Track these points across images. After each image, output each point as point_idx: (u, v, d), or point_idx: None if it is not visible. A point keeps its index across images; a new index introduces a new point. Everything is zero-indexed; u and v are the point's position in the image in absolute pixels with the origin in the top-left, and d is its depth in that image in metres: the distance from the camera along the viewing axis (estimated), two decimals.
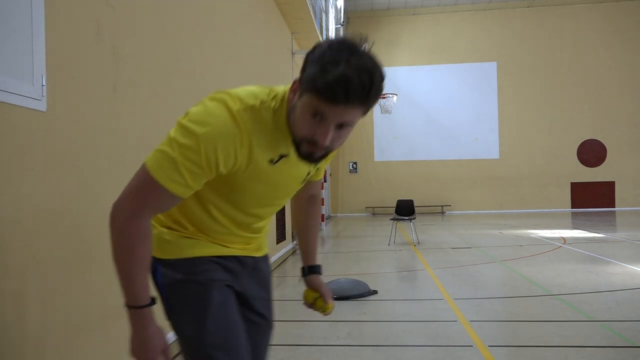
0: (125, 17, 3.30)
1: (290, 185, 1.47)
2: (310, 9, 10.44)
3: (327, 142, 1.21)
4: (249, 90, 1.32)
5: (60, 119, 2.57)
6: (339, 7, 18.25)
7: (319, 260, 1.82)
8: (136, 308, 1.29)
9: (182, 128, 1.24)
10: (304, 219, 1.82)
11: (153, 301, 1.32)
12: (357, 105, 1.18)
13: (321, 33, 12.99)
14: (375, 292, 5.55)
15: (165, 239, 1.45)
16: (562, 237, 10.69)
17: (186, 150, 1.21)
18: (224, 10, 5.85)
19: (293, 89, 1.26)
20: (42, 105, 2.41)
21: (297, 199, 1.78)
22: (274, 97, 1.31)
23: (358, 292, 5.38)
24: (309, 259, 1.79)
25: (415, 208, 10.64)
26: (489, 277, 6.65)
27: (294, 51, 11.55)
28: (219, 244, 1.48)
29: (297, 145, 1.27)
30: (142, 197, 1.25)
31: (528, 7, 20.73)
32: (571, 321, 4.34)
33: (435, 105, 20.72)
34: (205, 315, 1.38)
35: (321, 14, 13.53)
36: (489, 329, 4.20)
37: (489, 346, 3.70)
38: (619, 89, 20.22)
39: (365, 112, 1.24)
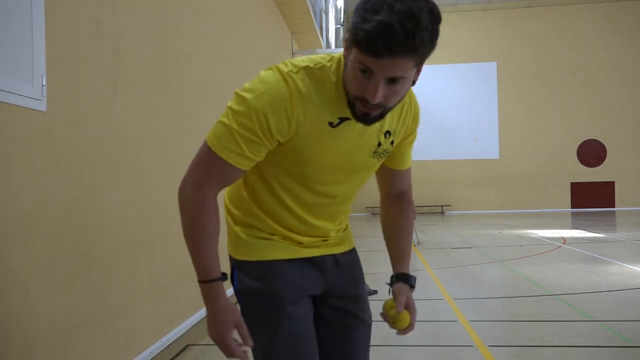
0: (125, 17, 3.30)
1: (360, 156, 1.33)
2: (310, 9, 10.44)
3: (378, 99, 1.11)
4: (305, 57, 1.28)
5: (60, 119, 2.57)
6: (339, 7, 18.26)
7: None
8: (206, 282, 1.26)
9: (237, 97, 1.22)
10: (394, 219, 1.57)
11: (224, 276, 1.29)
12: (405, 56, 1.05)
13: (321, 33, 12.99)
14: (375, 292, 5.54)
15: (241, 238, 1.39)
16: (562, 237, 10.69)
17: (239, 117, 1.19)
18: (224, 10, 5.85)
19: (346, 46, 1.15)
20: (42, 105, 2.41)
21: (385, 197, 1.59)
22: (331, 59, 1.25)
23: None
24: (399, 265, 1.53)
25: (415, 208, 10.61)
26: (489, 277, 6.65)
27: (294, 51, 11.54)
28: (295, 244, 1.39)
29: (352, 105, 1.18)
30: (204, 169, 1.24)
31: (528, 7, 20.73)
32: (571, 321, 4.34)
33: (435, 105, 20.71)
34: (277, 331, 1.33)
35: (321, 14, 13.53)
36: (489, 329, 4.20)
37: (489, 346, 3.69)
38: (619, 89, 20.22)
39: (419, 63, 1.10)
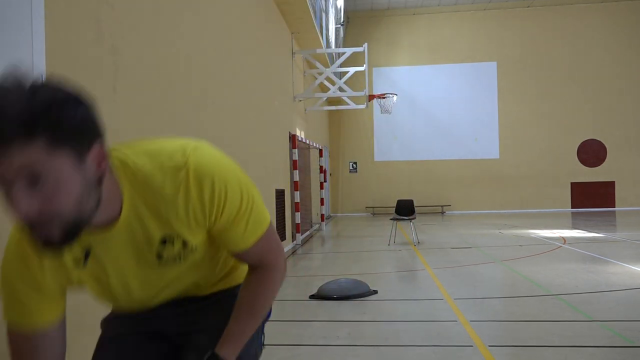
0: (125, 17, 3.30)
1: (133, 278, 1.18)
2: (310, 9, 10.44)
3: (25, 211, 0.87)
4: None
5: None
6: (339, 7, 18.25)
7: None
8: None
9: None
10: (242, 288, 1.32)
11: None
12: (15, 144, 0.83)
13: (321, 33, 12.99)
14: (375, 292, 5.55)
15: None
16: (562, 237, 10.69)
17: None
18: (224, 10, 5.84)
19: None
20: None
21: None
22: None
23: (358, 292, 5.38)
24: (219, 343, 1.27)
25: (415, 208, 10.64)
26: (489, 277, 6.65)
27: (294, 51, 11.54)
28: None
29: (32, 240, 0.94)
30: None
31: (528, 7, 20.73)
32: (571, 321, 4.34)
33: (436, 105, 20.72)
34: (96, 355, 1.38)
35: (321, 14, 13.53)
36: (489, 329, 4.20)
37: (489, 346, 3.70)
38: (619, 88, 20.22)
39: (49, 149, 0.86)
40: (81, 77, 2.78)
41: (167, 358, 1.36)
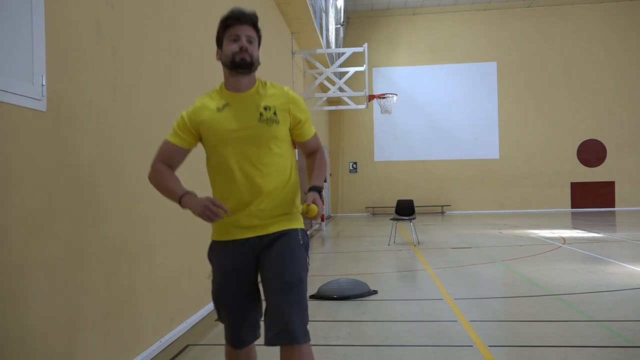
0: (125, 17, 3.30)
1: (247, 122, 2.17)
2: (310, 9, 10.44)
3: (245, 44, 2.14)
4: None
5: (60, 119, 2.57)
6: (339, 7, 18.25)
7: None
8: (180, 200, 2.12)
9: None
10: (310, 163, 2.44)
11: (186, 193, 2.12)
12: (249, 24, 2.17)
13: (321, 33, 12.99)
14: (375, 292, 5.55)
15: (213, 226, 2.28)
16: (562, 237, 10.69)
17: (179, 120, 2.29)
18: (224, 9, 5.84)
19: (218, 54, 2.23)
20: (42, 105, 2.41)
21: (305, 157, 2.46)
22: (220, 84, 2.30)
23: (358, 292, 5.38)
24: (311, 181, 2.35)
25: (415, 208, 10.63)
26: (489, 277, 6.65)
27: (294, 51, 11.54)
28: (230, 227, 2.20)
29: (234, 63, 2.14)
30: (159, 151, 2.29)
31: (528, 7, 20.74)
32: (571, 321, 4.34)
33: (435, 105, 20.71)
34: (214, 282, 2.29)
35: (321, 14, 13.53)
36: (489, 329, 4.20)
37: (489, 346, 3.70)
38: (619, 88, 20.22)
39: (257, 33, 2.20)
40: (81, 77, 2.78)
41: (253, 288, 2.27)
